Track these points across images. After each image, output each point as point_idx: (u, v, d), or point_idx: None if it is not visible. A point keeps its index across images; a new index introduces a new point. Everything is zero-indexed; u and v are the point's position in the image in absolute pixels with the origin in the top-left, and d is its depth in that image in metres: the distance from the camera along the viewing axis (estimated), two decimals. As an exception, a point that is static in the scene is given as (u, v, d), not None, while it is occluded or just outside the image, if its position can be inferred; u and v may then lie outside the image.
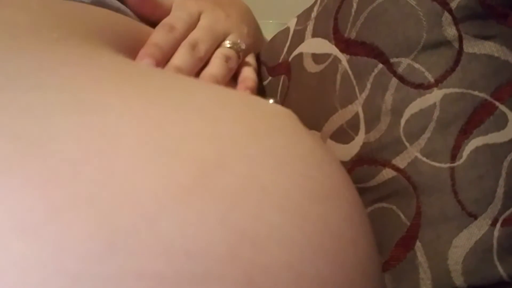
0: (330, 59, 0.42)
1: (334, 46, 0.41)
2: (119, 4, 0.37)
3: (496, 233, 0.33)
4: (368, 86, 0.40)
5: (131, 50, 0.34)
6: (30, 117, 0.19)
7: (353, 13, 0.40)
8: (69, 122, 0.19)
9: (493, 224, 0.33)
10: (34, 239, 0.16)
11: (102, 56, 0.24)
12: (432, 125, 0.36)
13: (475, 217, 0.34)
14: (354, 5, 0.40)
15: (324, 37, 0.42)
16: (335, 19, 0.42)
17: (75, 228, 0.16)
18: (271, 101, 0.30)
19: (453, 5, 0.36)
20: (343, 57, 0.41)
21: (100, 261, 0.16)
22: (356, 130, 0.40)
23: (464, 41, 0.36)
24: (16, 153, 0.17)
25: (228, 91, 0.27)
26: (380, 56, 0.39)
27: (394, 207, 0.36)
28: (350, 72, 0.40)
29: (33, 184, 0.17)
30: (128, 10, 0.38)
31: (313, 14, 0.46)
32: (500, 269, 0.32)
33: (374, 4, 0.39)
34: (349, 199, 0.26)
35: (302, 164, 0.23)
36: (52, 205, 0.16)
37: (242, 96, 0.27)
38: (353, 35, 0.40)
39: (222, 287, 0.17)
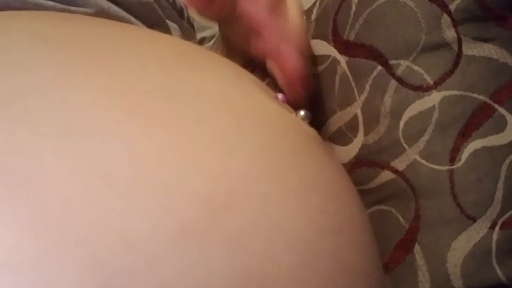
0: (329, 61, 0.42)
1: (333, 48, 0.41)
2: (123, 13, 0.36)
3: (495, 236, 0.33)
4: (367, 88, 0.40)
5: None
6: (18, 149, 0.18)
7: (352, 15, 0.40)
8: (61, 155, 0.18)
9: (492, 227, 0.33)
10: (22, 280, 0.15)
11: (99, 74, 0.22)
12: (431, 128, 0.36)
13: (474, 220, 0.34)
14: (353, 7, 0.40)
15: (324, 38, 0.42)
16: (334, 20, 0.42)
17: (67, 270, 0.15)
18: (302, 112, 0.28)
19: (452, 7, 0.36)
20: (342, 59, 0.41)
21: None
22: (355, 132, 0.40)
23: (463, 43, 0.36)
24: (3, 188, 0.16)
25: (252, 111, 0.24)
26: (379, 58, 0.39)
27: (393, 210, 0.36)
28: (349, 73, 0.40)
29: (22, 222, 0.16)
30: (132, 18, 0.36)
31: (313, 16, 0.46)
32: (498, 271, 0.32)
33: (373, 6, 0.39)
34: (360, 228, 0.25)
35: (319, 197, 0.22)
36: (42, 244, 0.15)
37: (265, 118, 0.24)
38: (352, 37, 0.40)
39: None
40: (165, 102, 0.22)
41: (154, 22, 0.39)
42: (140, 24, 0.37)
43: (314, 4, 0.47)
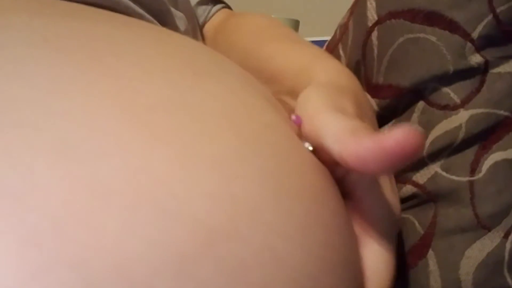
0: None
1: (367, 94, 0.43)
2: (129, 3, 0.34)
3: (508, 245, 0.33)
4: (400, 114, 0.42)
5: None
6: (8, 163, 0.17)
7: (375, 58, 0.42)
8: (54, 170, 0.17)
9: (506, 236, 0.33)
10: None
11: (101, 82, 0.21)
12: (454, 145, 0.37)
13: (488, 229, 0.34)
14: (375, 49, 0.42)
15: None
16: (364, 65, 0.44)
17: None
18: (306, 144, 0.26)
19: (475, 35, 0.38)
20: (373, 102, 0.43)
21: None
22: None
23: (489, 63, 0.38)
24: None
25: (258, 131, 0.23)
26: (408, 93, 0.40)
27: (410, 216, 0.37)
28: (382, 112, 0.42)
29: (8, 243, 0.15)
30: (136, 8, 0.35)
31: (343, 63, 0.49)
32: (509, 280, 0.32)
33: (394, 46, 0.41)
34: (357, 263, 0.25)
35: (323, 230, 0.21)
36: (31, 267, 0.15)
37: (275, 141, 0.23)
38: (380, 80, 0.42)
39: None
40: (167, 118, 0.21)
41: (158, 10, 0.38)
42: (141, 11, 0.36)
43: (338, 54, 0.50)
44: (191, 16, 0.47)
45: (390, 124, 0.42)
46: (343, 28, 0.50)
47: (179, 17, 0.42)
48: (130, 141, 0.19)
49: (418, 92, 0.40)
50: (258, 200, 0.19)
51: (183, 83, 0.23)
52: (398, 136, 0.21)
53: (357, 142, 0.23)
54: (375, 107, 0.42)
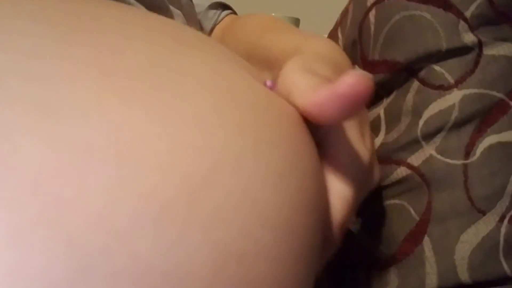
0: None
1: (362, 70, 0.43)
2: None
3: (503, 229, 0.33)
4: (394, 93, 0.41)
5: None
6: None
7: (372, 35, 0.43)
8: (34, 132, 0.17)
9: (501, 220, 0.33)
10: None
11: (81, 46, 0.22)
12: (449, 125, 0.37)
13: (483, 213, 0.34)
14: (372, 27, 0.43)
15: (356, 64, 0.45)
16: (360, 44, 0.44)
17: (39, 253, 0.15)
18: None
19: (468, 14, 0.38)
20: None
21: (69, 287, 0.15)
22: (376, 132, 0.42)
23: (483, 44, 0.37)
24: None
25: (236, 89, 0.24)
26: (403, 69, 0.40)
27: (405, 203, 0.37)
28: (377, 87, 0.42)
29: None
30: (131, 0, 0.35)
31: (340, 44, 0.48)
32: (504, 265, 0.32)
33: (390, 23, 0.41)
34: (327, 206, 0.26)
35: (298, 175, 0.22)
36: (13, 228, 0.15)
37: (252, 96, 0.24)
38: (376, 57, 0.43)
39: None
40: (147, 78, 0.21)
41: (157, 7, 0.39)
42: (141, 7, 0.37)
43: (336, 36, 0.50)
44: (194, 22, 0.49)
45: (384, 101, 0.42)
46: (343, 13, 0.50)
47: (177, 14, 0.43)
48: (109, 101, 0.19)
49: (413, 72, 0.40)
50: (235, 149, 0.20)
51: (163, 49, 0.24)
52: (349, 80, 0.23)
53: (316, 93, 0.25)
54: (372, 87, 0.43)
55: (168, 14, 0.41)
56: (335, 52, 0.35)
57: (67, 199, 0.16)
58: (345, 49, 0.48)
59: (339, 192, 0.28)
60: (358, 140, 0.30)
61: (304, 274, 0.21)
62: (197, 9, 0.57)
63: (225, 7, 0.62)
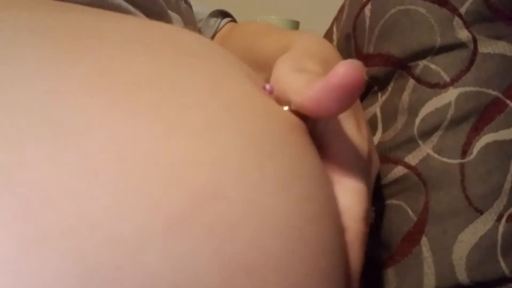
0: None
1: None
2: (120, 1, 0.35)
3: (501, 228, 0.33)
4: (389, 89, 0.41)
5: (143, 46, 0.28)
6: None
7: (367, 29, 0.43)
8: (43, 146, 0.18)
9: (498, 219, 0.33)
10: (4, 276, 0.15)
11: (84, 62, 0.22)
12: (445, 123, 0.37)
13: (481, 212, 0.34)
14: (367, 21, 0.43)
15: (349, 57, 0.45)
16: (355, 37, 0.44)
17: (49, 264, 0.15)
18: (285, 108, 0.28)
19: (463, 10, 0.38)
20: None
21: None
22: (374, 130, 0.42)
23: (478, 42, 0.37)
24: None
25: (239, 100, 0.24)
26: (397, 63, 0.41)
27: (402, 203, 0.37)
28: (371, 82, 0.42)
29: (2, 217, 0.16)
30: (130, 7, 0.36)
31: (334, 43, 0.49)
32: (502, 264, 0.32)
33: (386, 17, 0.41)
34: (337, 212, 0.26)
35: (304, 185, 0.23)
36: (23, 239, 0.15)
37: (254, 107, 0.24)
38: (371, 50, 0.43)
39: None
40: (151, 91, 0.22)
41: (156, 12, 0.39)
42: (140, 14, 0.37)
43: (331, 31, 0.50)
44: (193, 28, 0.50)
45: (380, 99, 0.42)
46: (340, 9, 0.51)
47: (176, 19, 0.43)
48: (114, 115, 0.20)
49: (408, 69, 0.40)
50: (241, 161, 0.20)
51: (165, 61, 0.25)
52: (341, 70, 0.24)
53: (310, 88, 0.25)
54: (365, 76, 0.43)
55: (166, 18, 0.41)
56: (323, 46, 0.36)
57: (77, 212, 0.16)
58: (339, 42, 0.48)
59: (352, 186, 0.28)
60: (356, 131, 0.30)
61: (319, 282, 0.21)
62: (199, 17, 0.59)
63: (225, 15, 0.64)
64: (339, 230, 0.26)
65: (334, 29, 0.51)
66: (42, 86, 0.20)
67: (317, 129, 0.29)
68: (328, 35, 0.52)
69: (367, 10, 0.43)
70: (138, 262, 0.16)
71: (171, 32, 0.29)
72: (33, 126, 0.18)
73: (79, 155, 0.18)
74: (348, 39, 0.46)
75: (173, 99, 0.22)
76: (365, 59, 0.43)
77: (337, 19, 0.51)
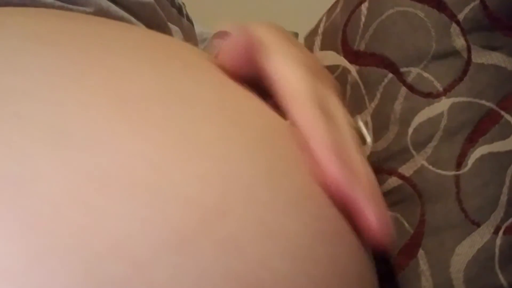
0: (339, 70, 0.44)
1: (343, 58, 0.44)
2: (122, 13, 0.36)
3: (498, 241, 0.34)
4: (378, 95, 0.42)
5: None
6: (8, 153, 0.18)
7: (361, 25, 0.43)
8: (52, 158, 0.18)
9: (496, 232, 0.34)
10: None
11: (92, 74, 0.22)
12: (439, 134, 0.38)
13: (478, 225, 0.35)
14: (363, 18, 0.43)
15: (332, 49, 0.45)
16: (343, 31, 0.45)
17: (57, 277, 0.15)
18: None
19: (461, 16, 0.38)
20: (352, 68, 0.43)
21: None
22: (364, 139, 0.42)
23: (472, 52, 0.38)
24: None
25: (247, 115, 0.25)
26: (390, 66, 0.41)
27: (398, 215, 0.38)
28: (360, 82, 0.43)
29: (11, 228, 0.16)
30: (132, 18, 0.37)
31: (320, 30, 0.49)
32: (500, 277, 0.34)
33: (383, 17, 0.41)
34: (348, 232, 0.26)
35: (314, 204, 0.23)
36: (32, 251, 0.16)
37: (263, 124, 0.25)
38: (362, 47, 0.43)
39: None
40: (158, 105, 0.22)
41: (156, 24, 0.40)
42: (141, 25, 0.38)
43: (320, 20, 0.50)
44: (194, 44, 0.50)
45: (369, 106, 0.42)
46: (336, 1, 0.51)
47: (175, 30, 0.44)
48: (122, 129, 0.20)
49: (400, 75, 0.40)
50: (249, 178, 0.21)
51: (172, 72, 0.25)
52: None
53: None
54: (354, 74, 0.43)
55: (166, 30, 0.42)
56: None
57: (87, 226, 0.17)
58: (325, 31, 0.48)
59: (290, 73, 0.29)
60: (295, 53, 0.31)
61: None
62: (202, 36, 0.59)
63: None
64: (354, 250, 0.26)
65: (324, 17, 0.50)
66: (52, 98, 0.20)
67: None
68: (315, 21, 0.52)
69: (364, 8, 0.44)
70: (147, 278, 0.16)
71: (175, 45, 0.30)
72: (43, 139, 0.18)
73: (89, 168, 0.18)
74: (336, 30, 0.46)
75: (180, 114, 0.22)
76: (354, 55, 0.43)
77: (329, 9, 0.51)
